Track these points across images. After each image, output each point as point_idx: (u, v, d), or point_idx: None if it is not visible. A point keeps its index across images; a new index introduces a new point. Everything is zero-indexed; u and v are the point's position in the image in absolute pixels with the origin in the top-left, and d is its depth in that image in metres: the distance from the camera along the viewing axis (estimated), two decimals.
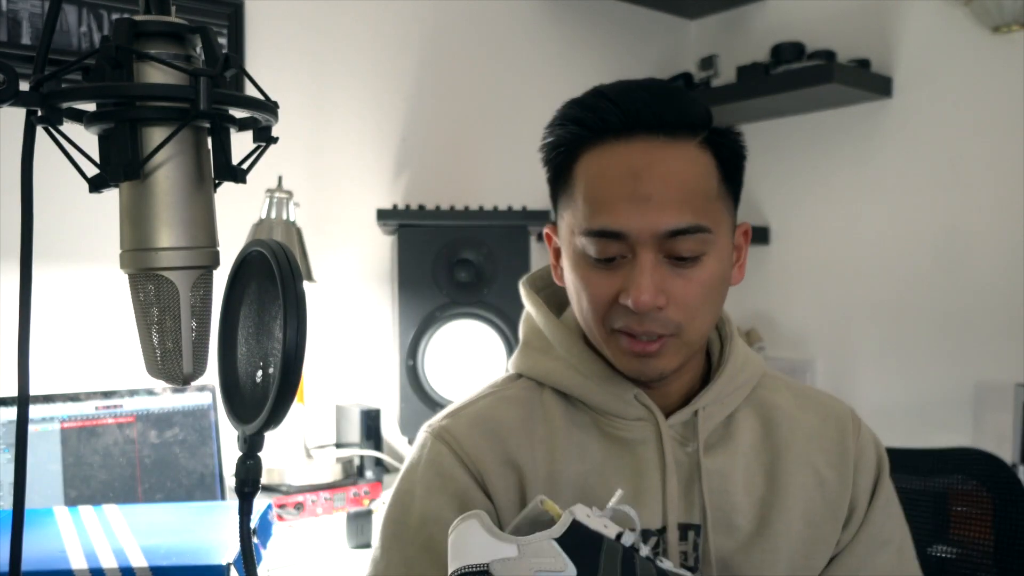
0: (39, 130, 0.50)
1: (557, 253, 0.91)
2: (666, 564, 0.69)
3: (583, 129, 0.83)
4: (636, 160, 0.80)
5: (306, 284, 1.63)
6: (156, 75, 0.50)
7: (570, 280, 0.87)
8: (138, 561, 0.82)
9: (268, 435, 0.53)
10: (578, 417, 0.89)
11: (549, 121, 0.89)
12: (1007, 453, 1.93)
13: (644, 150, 0.81)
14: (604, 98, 0.82)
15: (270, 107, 0.54)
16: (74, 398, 1.38)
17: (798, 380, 0.98)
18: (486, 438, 0.87)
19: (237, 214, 1.73)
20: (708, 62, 2.55)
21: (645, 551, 0.68)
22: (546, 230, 0.94)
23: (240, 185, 0.55)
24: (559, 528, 0.66)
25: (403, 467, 0.92)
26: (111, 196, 0.54)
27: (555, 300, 0.97)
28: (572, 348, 0.90)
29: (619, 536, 0.68)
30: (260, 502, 0.93)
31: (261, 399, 0.51)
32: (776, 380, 0.95)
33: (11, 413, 1.31)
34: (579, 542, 0.66)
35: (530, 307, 0.96)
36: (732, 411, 0.90)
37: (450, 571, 0.66)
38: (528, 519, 0.71)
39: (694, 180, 0.81)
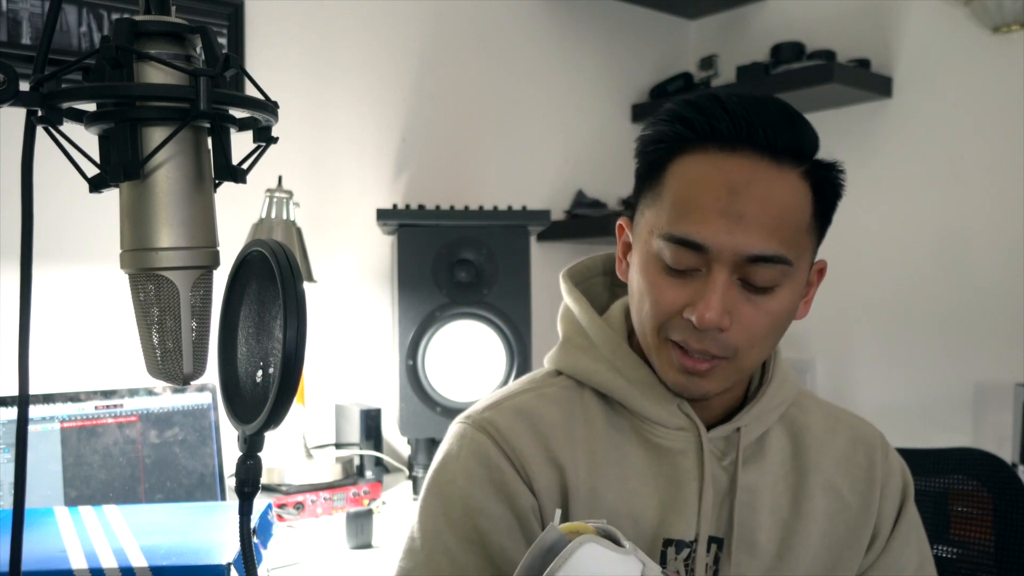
0: (39, 130, 0.50)
1: (627, 248, 0.88)
2: None
3: (689, 130, 0.79)
4: (736, 175, 0.77)
5: (306, 284, 1.63)
6: (156, 75, 0.50)
7: (636, 281, 0.84)
8: (138, 561, 0.82)
9: (268, 435, 0.53)
10: (618, 421, 0.87)
11: (655, 113, 0.84)
12: (1007, 453, 1.93)
13: (746, 167, 0.77)
14: (718, 103, 0.78)
15: (270, 107, 0.54)
16: (74, 398, 1.38)
17: (831, 402, 0.97)
18: (529, 433, 0.85)
19: (237, 214, 1.73)
20: (708, 62, 2.55)
21: None
22: (620, 221, 0.90)
23: (240, 185, 0.55)
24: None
25: (437, 459, 0.88)
26: (111, 196, 0.54)
27: (591, 295, 0.95)
28: (617, 350, 0.87)
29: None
30: (260, 502, 0.93)
31: (261, 399, 0.51)
32: (809, 400, 0.94)
33: (11, 413, 1.31)
34: None
35: (571, 302, 0.93)
36: (767, 428, 0.89)
37: None
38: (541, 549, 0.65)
39: (790, 209, 0.78)
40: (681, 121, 0.80)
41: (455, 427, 0.89)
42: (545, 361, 0.95)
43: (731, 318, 0.77)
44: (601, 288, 0.98)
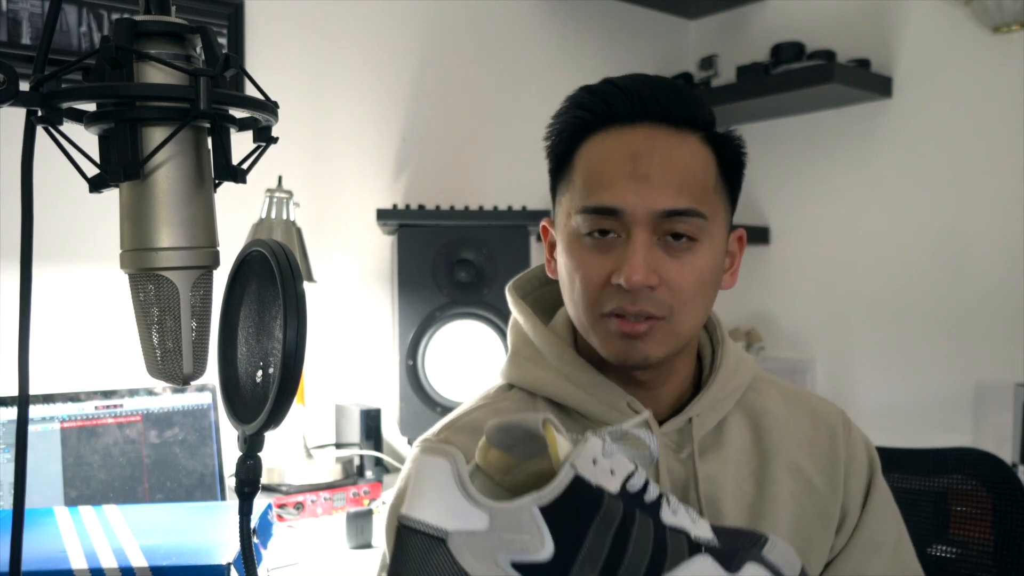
0: (39, 130, 0.50)
1: (552, 247, 0.91)
2: (670, 517, 0.59)
3: (588, 114, 0.84)
4: (638, 144, 0.81)
5: (306, 284, 1.63)
6: (156, 75, 0.50)
7: (563, 265, 0.86)
8: (138, 561, 0.82)
9: (268, 435, 0.53)
10: (573, 426, 0.88)
11: (556, 111, 0.89)
12: (1007, 453, 1.93)
13: (647, 136, 0.82)
14: (612, 86, 0.83)
15: (270, 107, 0.54)
16: (74, 398, 1.38)
17: (798, 382, 0.97)
18: None
19: (237, 214, 1.73)
20: (708, 62, 2.55)
21: (653, 493, 0.59)
22: (543, 223, 0.94)
23: (240, 185, 0.55)
24: (552, 491, 0.54)
25: (398, 484, 0.88)
26: (111, 196, 0.54)
27: (542, 305, 0.96)
28: (563, 356, 0.89)
29: (628, 479, 0.57)
30: (260, 502, 0.93)
31: (261, 399, 0.51)
32: (767, 383, 0.94)
33: (11, 413, 1.31)
34: (571, 509, 0.54)
35: (517, 314, 0.95)
36: (724, 416, 0.89)
37: (401, 513, 0.53)
38: (523, 429, 0.59)
39: (693, 168, 0.82)
40: (580, 107, 0.85)
41: (413, 451, 0.90)
42: (498, 375, 0.95)
43: (658, 276, 0.80)
44: (552, 296, 0.98)
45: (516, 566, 0.52)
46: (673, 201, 0.79)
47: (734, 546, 0.62)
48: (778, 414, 0.91)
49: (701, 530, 0.60)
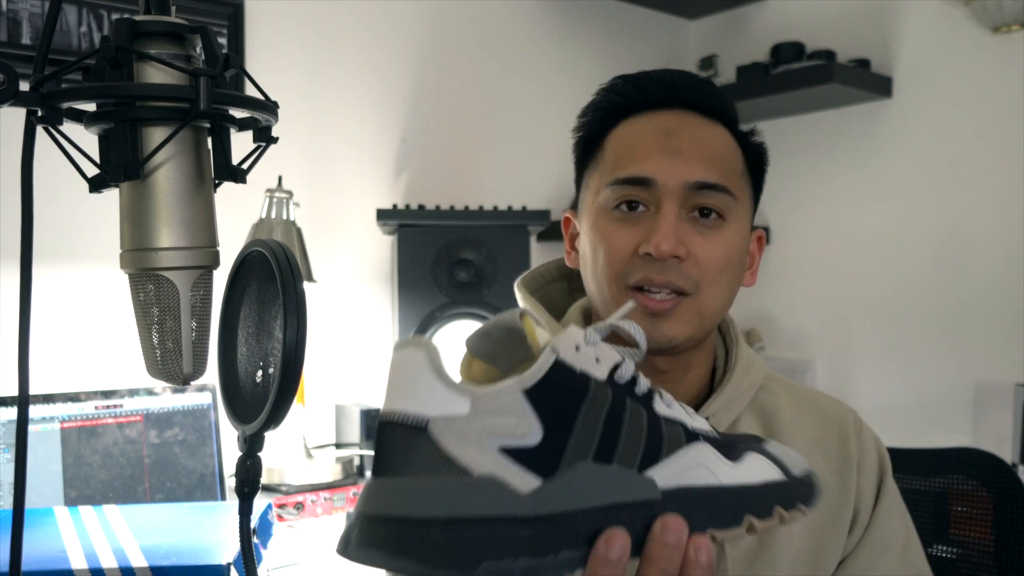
0: (39, 130, 0.50)
1: (573, 238, 0.91)
2: (664, 409, 0.56)
3: (621, 98, 0.85)
4: (670, 122, 0.83)
5: (306, 284, 1.63)
6: (156, 75, 0.50)
7: (587, 244, 0.85)
8: (138, 561, 0.82)
9: (268, 435, 0.53)
10: None
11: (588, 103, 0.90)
12: (1007, 453, 1.93)
13: (679, 116, 0.83)
14: (646, 75, 0.85)
15: (270, 107, 0.54)
16: (74, 398, 1.38)
17: (798, 382, 0.97)
18: None
19: (237, 214, 1.73)
20: (708, 62, 2.55)
21: (644, 385, 0.55)
22: (565, 214, 0.92)
23: (240, 185, 0.55)
24: (534, 374, 0.50)
25: None
26: (111, 196, 0.54)
27: (549, 302, 0.96)
28: None
29: (615, 369, 0.54)
30: (260, 502, 0.93)
31: (261, 399, 0.51)
32: (777, 383, 0.94)
33: (11, 413, 1.31)
34: (557, 392, 0.50)
35: (528, 309, 0.95)
36: (737, 416, 0.89)
37: (380, 412, 0.50)
38: (502, 328, 0.55)
39: (723, 149, 0.83)
40: (614, 92, 0.86)
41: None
42: None
43: (686, 249, 0.79)
44: (559, 293, 0.98)
45: (505, 451, 0.48)
46: (704, 173, 0.80)
47: (734, 439, 0.60)
48: (788, 414, 0.91)
49: (698, 423, 0.58)
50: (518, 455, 0.48)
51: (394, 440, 0.48)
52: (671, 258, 0.79)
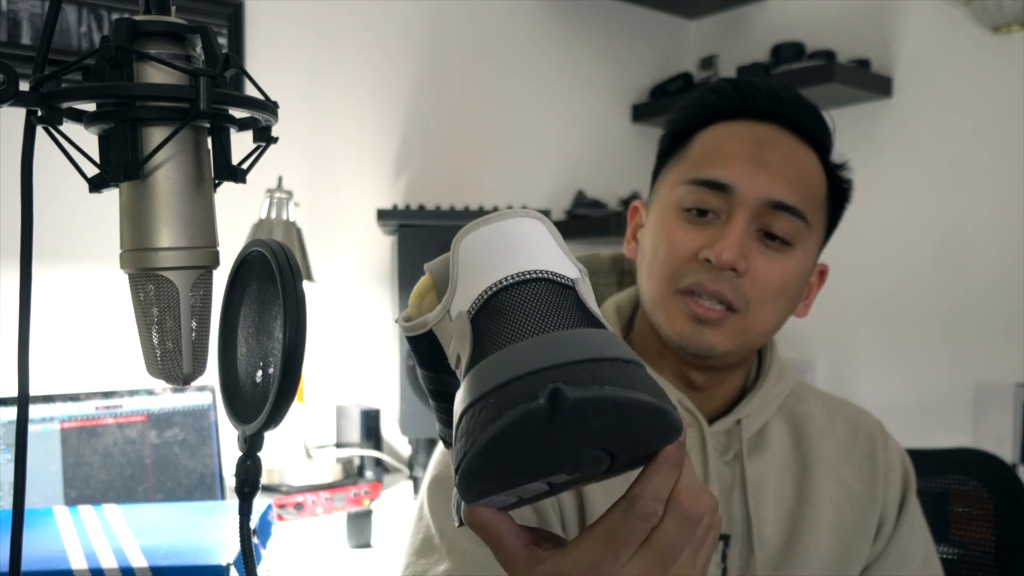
0: (39, 130, 0.50)
1: (637, 228, 0.89)
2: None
3: (722, 99, 0.83)
4: (763, 133, 0.81)
5: (306, 284, 1.63)
6: (156, 75, 0.50)
7: (649, 237, 0.84)
8: (138, 561, 0.82)
9: (268, 435, 0.53)
10: None
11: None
12: (1007, 453, 1.93)
13: (773, 131, 0.81)
14: (753, 83, 0.83)
15: (270, 107, 0.54)
16: (74, 398, 1.38)
17: (827, 391, 0.97)
18: None
19: (237, 214, 1.73)
20: (708, 62, 2.55)
21: None
22: (635, 203, 0.91)
23: (240, 185, 0.55)
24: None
25: (439, 454, 0.84)
26: (111, 196, 0.54)
27: (596, 293, 0.95)
28: None
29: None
30: (260, 502, 0.93)
31: (261, 399, 0.51)
32: (806, 390, 0.94)
33: (11, 413, 1.31)
34: None
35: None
36: (767, 420, 0.89)
37: (523, 269, 0.45)
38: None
39: (810, 174, 0.81)
40: (715, 92, 0.84)
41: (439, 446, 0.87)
42: None
43: (747, 264, 0.78)
44: (604, 288, 0.97)
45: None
46: (785, 193, 0.78)
47: None
48: (818, 421, 0.90)
49: None
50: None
51: (543, 295, 0.44)
52: (729, 269, 0.77)
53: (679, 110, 0.87)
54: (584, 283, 0.46)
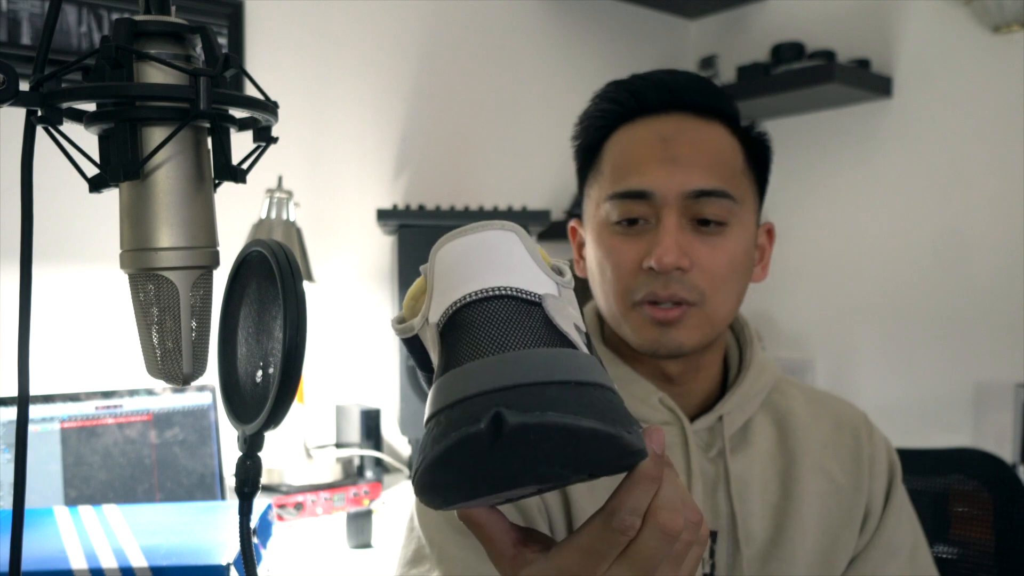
0: (39, 130, 0.50)
1: (581, 246, 0.90)
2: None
3: (617, 106, 0.84)
4: (666, 128, 0.82)
5: (306, 284, 1.63)
6: (156, 75, 0.50)
7: (593, 258, 0.85)
8: (138, 561, 0.82)
9: (268, 435, 0.53)
10: None
11: (583, 110, 0.89)
12: (1007, 453, 1.93)
13: (675, 122, 0.82)
14: (640, 78, 0.84)
15: (270, 107, 0.54)
16: (74, 398, 1.38)
17: (810, 384, 0.97)
18: None
19: (237, 214, 1.73)
20: (708, 62, 2.55)
21: None
22: (571, 224, 0.92)
23: (240, 185, 0.55)
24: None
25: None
26: (111, 196, 0.54)
27: None
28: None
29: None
30: (260, 502, 0.93)
31: (261, 399, 0.51)
32: (790, 385, 0.94)
33: (11, 413, 1.31)
34: None
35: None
36: (750, 416, 0.89)
37: (487, 285, 0.45)
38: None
39: (721, 151, 0.82)
40: (609, 101, 0.85)
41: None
42: None
43: (689, 259, 0.79)
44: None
45: (578, 332, 0.47)
46: (703, 181, 0.79)
47: None
48: (802, 415, 0.91)
49: None
50: (585, 338, 0.48)
51: (504, 312, 0.45)
52: (675, 270, 0.79)
53: (580, 126, 0.88)
54: (556, 299, 0.46)
